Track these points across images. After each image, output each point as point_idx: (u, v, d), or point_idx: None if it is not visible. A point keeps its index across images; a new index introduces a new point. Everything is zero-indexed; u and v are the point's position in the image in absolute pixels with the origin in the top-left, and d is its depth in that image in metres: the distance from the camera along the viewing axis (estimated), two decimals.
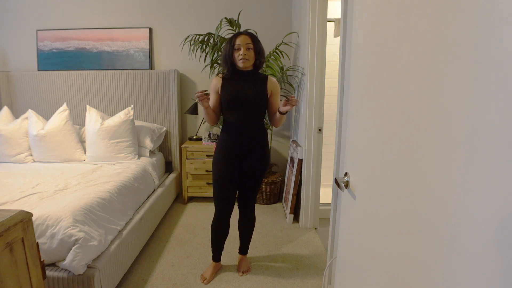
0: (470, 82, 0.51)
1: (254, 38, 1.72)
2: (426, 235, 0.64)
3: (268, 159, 1.88)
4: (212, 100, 1.81)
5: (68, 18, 3.21)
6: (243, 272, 1.99)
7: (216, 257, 2.00)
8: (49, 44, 3.24)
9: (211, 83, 1.85)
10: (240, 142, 1.78)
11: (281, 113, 1.73)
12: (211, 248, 2.00)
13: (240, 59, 1.69)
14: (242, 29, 2.77)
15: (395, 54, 0.77)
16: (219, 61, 2.69)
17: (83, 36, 3.21)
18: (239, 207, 1.98)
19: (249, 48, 1.69)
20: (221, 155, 1.81)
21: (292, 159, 2.90)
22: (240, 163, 1.83)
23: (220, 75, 1.82)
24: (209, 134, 3.14)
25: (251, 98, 1.73)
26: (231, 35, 1.79)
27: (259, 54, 1.74)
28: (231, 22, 2.66)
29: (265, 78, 1.80)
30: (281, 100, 1.90)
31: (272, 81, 1.81)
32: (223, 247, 2.01)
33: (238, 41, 1.69)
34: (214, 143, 3.04)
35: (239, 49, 1.69)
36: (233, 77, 1.77)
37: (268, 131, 3.14)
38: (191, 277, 1.96)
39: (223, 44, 1.82)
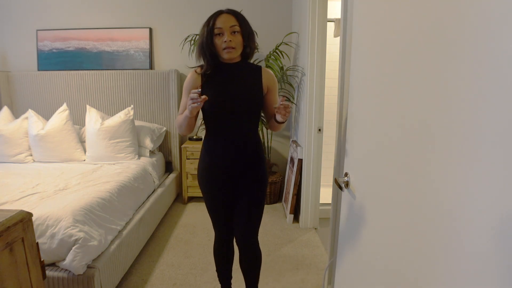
0: (471, 81, 0.51)
1: (240, 18, 1.27)
2: (427, 235, 0.64)
3: (265, 178, 1.45)
4: (186, 103, 1.31)
5: (68, 18, 3.21)
6: None
7: (225, 285, 1.66)
8: (49, 44, 3.23)
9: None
10: (228, 163, 1.35)
11: (278, 122, 1.31)
12: (216, 274, 1.67)
13: (224, 48, 1.24)
14: None
15: (395, 54, 0.77)
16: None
17: (83, 36, 3.21)
18: (236, 241, 1.48)
19: (234, 32, 1.24)
20: (204, 178, 1.41)
21: (292, 159, 2.90)
22: (231, 183, 1.41)
23: (198, 70, 1.33)
24: None
25: (243, 99, 1.30)
26: None
27: (248, 39, 1.29)
28: None
29: (258, 70, 1.37)
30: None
31: (268, 74, 1.38)
32: (231, 274, 1.64)
33: (218, 23, 1.23)
34: None
35: (221, 34, 1.24)
36: (216, 72, 1.31)
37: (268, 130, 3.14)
38: (191, 277, 1.96)
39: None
